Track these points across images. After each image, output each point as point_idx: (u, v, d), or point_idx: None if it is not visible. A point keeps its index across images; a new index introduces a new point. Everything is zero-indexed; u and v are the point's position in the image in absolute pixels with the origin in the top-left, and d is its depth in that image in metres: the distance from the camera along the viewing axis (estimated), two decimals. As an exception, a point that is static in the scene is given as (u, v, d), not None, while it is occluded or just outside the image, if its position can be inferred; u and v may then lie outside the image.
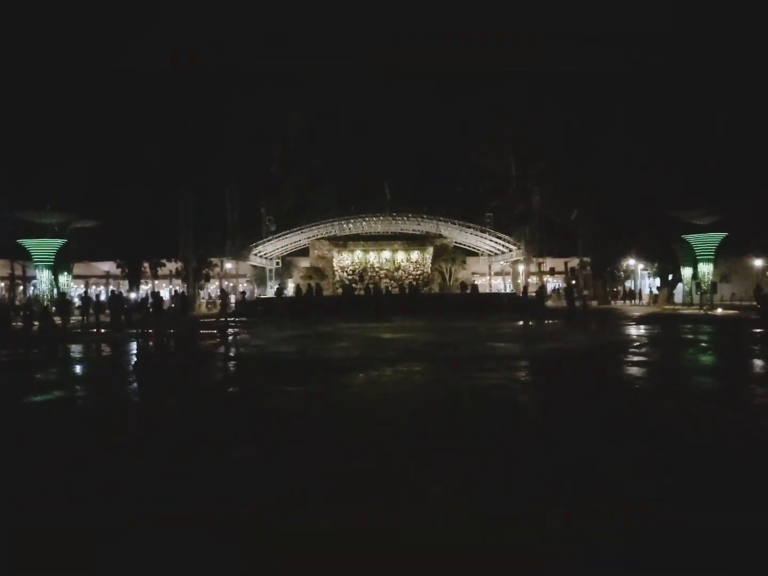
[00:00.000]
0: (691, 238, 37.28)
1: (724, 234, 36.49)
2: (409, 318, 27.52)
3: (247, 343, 19.45)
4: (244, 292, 43.31)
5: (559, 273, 50.27)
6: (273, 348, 17.07)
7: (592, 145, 43.38)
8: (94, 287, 49.90)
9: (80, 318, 27.74)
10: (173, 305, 29.09)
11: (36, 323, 26.15)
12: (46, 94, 34.39)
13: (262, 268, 48.49)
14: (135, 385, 11.52)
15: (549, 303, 37.98)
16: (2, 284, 47.55)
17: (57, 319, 25.81)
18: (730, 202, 35.64)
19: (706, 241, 36.86)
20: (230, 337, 21.42)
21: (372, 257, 47.80)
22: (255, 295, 47.43)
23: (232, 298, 40.68)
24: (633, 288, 50.12)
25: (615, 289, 49.64)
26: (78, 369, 14.47)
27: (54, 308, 29.81)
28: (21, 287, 46.87)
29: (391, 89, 49.28)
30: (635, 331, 21.65)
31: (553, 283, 51.15)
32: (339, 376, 11.06)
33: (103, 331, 24.98)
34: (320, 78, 46.44)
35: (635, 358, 13.40)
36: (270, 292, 44.85)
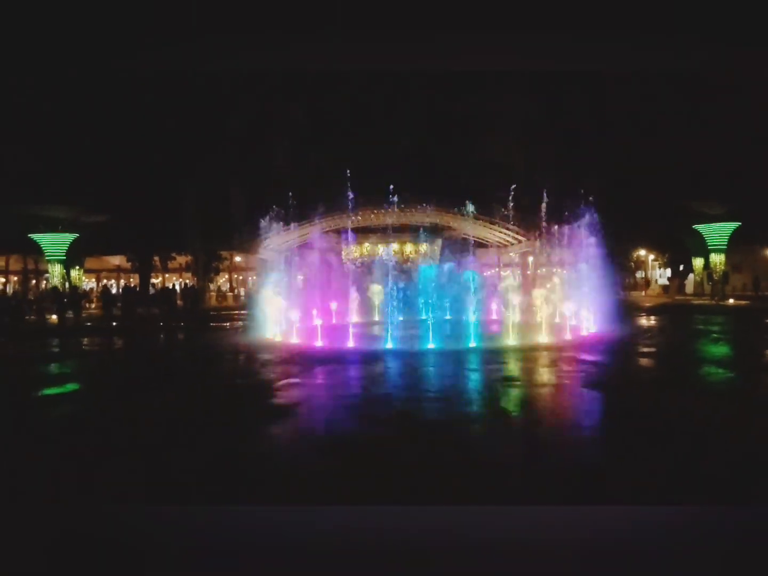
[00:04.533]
0: (702, 228, 36.82)
1: (736, 224, 36.00)
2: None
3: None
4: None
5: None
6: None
7: (602, 134, 42.85)
8: (105, 281, 50.30)
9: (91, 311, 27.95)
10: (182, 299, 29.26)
11: (50, 316, 26.39)
12: (54, 90, 34.48)
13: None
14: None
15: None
16: (15, 278, 48.03)
17: (69, 313, 26.01)
18: (743, 191, 35.11)
19: (718, 231, 36.41)
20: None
21: (380, 250, 47.74)
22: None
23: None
24: (635, 278, 49.42)
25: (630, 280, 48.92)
26: (90, 363, 14.60)
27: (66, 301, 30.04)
28: (33, 281, 47.29)
29: (398, 82, 48.92)
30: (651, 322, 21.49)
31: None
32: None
33: (114, 324, 25.14)
34: (327, 71, 46.13)
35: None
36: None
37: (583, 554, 3.27)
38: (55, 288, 30.60)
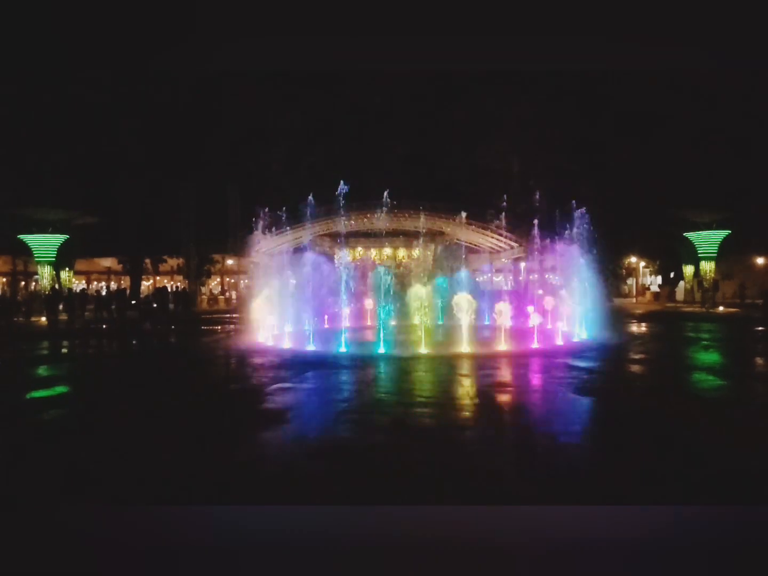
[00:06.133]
0: (693, 236, 37.13)
1: (726, 232, 36.34)
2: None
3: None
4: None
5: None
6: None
7: (594, 142, 43.19)
8: (95, 283, 49.95)
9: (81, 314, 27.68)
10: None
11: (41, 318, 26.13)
12: (47, 90, 34.28)
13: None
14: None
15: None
16: (4, 280, 47.59)
17: (63, 315, 25.75)
18: (733, 200, 35.48)
19: (709, 239, 36.73)
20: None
21: (374, 254, 47.86)
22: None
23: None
24: (627, 285, 49.94)
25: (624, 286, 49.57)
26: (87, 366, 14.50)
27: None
28: (23, 283, 46.85)
29: (394, 86, 49.07)
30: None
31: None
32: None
33: (104, 326, 24.95)
34: (323, 74, 46.22)
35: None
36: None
37: (583, 554, 3.28)
38: (53, 289, 30.42)
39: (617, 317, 26.29)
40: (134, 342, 20.42)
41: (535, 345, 15.39)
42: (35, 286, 40.22)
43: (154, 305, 26.81)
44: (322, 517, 3.85)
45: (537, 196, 27.92)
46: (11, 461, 5.78)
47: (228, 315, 30.73)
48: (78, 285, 45.09)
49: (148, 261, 45.51)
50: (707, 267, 37.31)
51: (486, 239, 45.88)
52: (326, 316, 21.71)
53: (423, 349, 14.30)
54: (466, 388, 9.97)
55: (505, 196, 44.06)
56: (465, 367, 12.42)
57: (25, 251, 35.56)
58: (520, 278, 44.94)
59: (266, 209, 39.27)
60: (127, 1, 6.60)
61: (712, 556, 3.23)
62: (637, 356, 14.21)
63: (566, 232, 21.77)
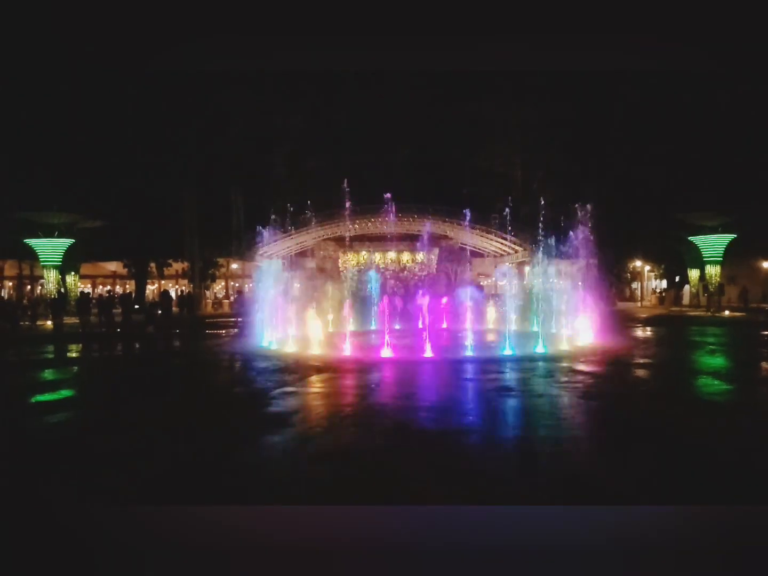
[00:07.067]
0: (698, 239, 36.96)
1: (731, 236, 36.18)
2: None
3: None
4: (240, 291, 43.96)
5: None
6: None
7: (598, 145, 43.15)
8: (101, 287, 50.15)
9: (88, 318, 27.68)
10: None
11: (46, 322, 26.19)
12: (50, 93, 34.46)
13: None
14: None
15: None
16: (10, 284, 47.85)
17: (75, 319, 25.75)
18: (739, 204, 35.34)
19: (714, 242, 36.55)
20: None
21: (377, 258, 47.90)
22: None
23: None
24: (631, 289, 50.00)
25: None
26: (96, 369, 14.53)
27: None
28: (29, 287, 47.08)
29: (397, 89, 49.17)
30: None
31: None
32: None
33: (109, 330, 24.97)
34: (325, 77, 46.37)
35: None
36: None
37: (583, 554, 3.27)
38: (59, 293, 30.60)
39: (621, 321, 26.17)
40: (138, 346, 20.47)
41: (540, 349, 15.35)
42: (41, 290, 40.36)
43: (159, 311, 26.80)
44: (322, 517, 3.84)
45: (541, 200, 27.87)
46: (12, 462, 5.79)
47: (232, 319, 30.75)
48: (83, 289, 45.27)
49: (153, 265, 45.66)
50: (713, 271, 37.12)
51: (490, 243, 45.87)
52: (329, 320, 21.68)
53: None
54: (471, 392, 9.98)
55: (509, 199, 44.01)
56: (470, 372, 12.41)
57: (31, 255, 35.76)
58: (525, 282, 44.83)
59: (271, 213, 39.42)
60: (127, 1, 6.65)
61: (713, 557, 3.21)
62: (642, 360, 14.12)
63: (570, 235, 21.72)
